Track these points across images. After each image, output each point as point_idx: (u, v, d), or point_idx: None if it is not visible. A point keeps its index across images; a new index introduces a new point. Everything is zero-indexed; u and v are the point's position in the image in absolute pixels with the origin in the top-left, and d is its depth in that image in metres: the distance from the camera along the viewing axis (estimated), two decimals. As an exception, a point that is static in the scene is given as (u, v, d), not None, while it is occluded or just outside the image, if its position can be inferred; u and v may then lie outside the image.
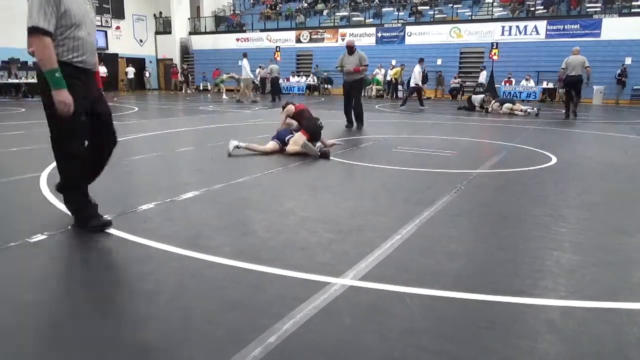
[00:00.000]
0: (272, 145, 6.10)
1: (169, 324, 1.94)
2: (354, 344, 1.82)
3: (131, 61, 27.24)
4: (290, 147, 5.99)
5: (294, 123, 6.64)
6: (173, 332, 1.88)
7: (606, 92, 18.54)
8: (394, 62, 21.61)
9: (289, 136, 6.14)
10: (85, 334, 1.86)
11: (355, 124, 9.52)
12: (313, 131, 6.12)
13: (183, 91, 25.90)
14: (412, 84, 15.68)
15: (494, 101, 14.04)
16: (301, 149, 5.89)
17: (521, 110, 13.04)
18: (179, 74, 26.61)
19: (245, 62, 17.19)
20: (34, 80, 19.87)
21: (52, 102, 2.75)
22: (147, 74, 27.92)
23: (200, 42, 29.44)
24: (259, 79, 23.10)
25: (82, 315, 2.00)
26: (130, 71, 26.23)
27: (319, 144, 6.11)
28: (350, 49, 9.37)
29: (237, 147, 5.96)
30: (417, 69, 15.27)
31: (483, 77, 19.93)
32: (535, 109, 13.20)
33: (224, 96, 20.35)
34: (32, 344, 1.80)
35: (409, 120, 10.46)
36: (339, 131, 8.70)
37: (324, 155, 5.86)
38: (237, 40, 28.25)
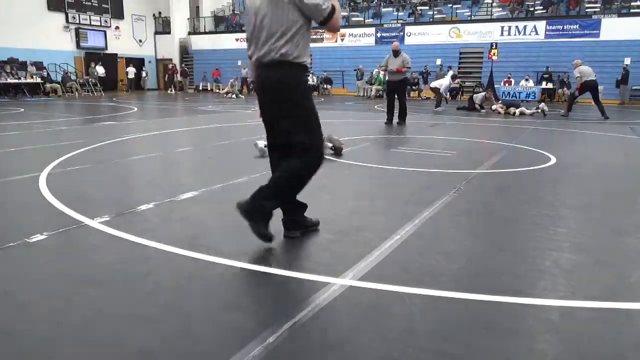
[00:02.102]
0: None
1: (168, 325, 1.94)
2: (352, 344, 1.82)
3: (131, 61, 27.17)
4: None
5: None
6: (172, 333, 1.88)
7: (605, 92, 18.55)
8: (393, 63, 21.61)
9: None
10: (80, 334, 1.86)
11: (397, 122, 10.07)
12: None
13: (169, 91, 25.34)
14: (433, 85, 15.75)
15: (498, 103, 14.08)
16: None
17: (531, 113, 13.14)
18: (177, 74, 26.38)
19: None
20: (33, 80, 20.01)
21: (312, 103, 2.75)
22: (143, 74, 27.30)
23: (199, 42, 29.42)
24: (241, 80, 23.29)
25: (81, 316, 2.00)
26: (131, 71, 26.14)
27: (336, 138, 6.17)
28: (396, 52, 10.06)
29: (266, 146, 5.99)
30: (447, 82, 15.40)
31: (448, 76, 19.35)
32: (540, 110, 13.32)
33: (241, 95, 21.36)
34: (31, 345, 1.79)
35: (409, 121, 10.47)
36: (338, 131, 8.69)
37: (338, 152, 6.05)
38: (237, 40, 28.22)
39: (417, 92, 21.76)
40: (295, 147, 2.73)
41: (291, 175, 2.77)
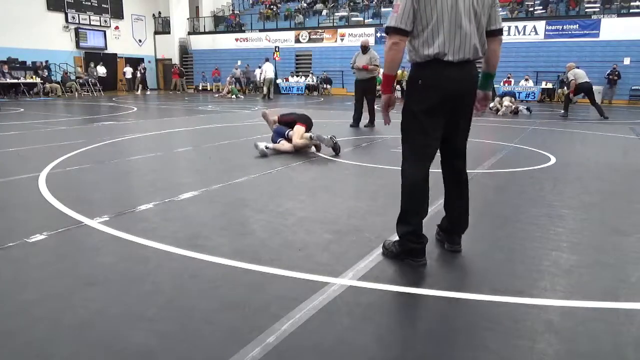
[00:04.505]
0: (288, 144, 6.13)
1: (168, 325, 1.94)
2: (352, 344, 1.82)
3: (129, 61, 27.09)
4: (298, 141, 6.04)
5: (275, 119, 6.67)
6: (172, 333, 1.88)
7: (605, 93, 18.59)
8: (392, 62, 21.57)
9: (288, 130, 6.18)
10: (80, 334, 1.86)
11: (365, 125, 9.57)
12: (306, 120, 6.28)
13: (139, 92, 24.34)
14: None
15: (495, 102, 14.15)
16: (310, 141, 5.99)
17: (508, 107, 13.26)
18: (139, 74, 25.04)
19: (269, 65, 19.95)
20: (32, 80, 20.00)
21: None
22: (135, 74, 25.58)
23: (199, 42, 29.43)
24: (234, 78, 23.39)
25: (80, 316, 2.00)
26: (129, 71, 25.95)
27: (326, 136, 6.13)
28: (365, 49, 9.45)
29: (267, 147, 6.00)
30: None
31: None
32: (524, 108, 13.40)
33: (240, 95, 21.38)
34: (31, 345, 1.79)
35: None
36: (338, 131, 8.69)
37: (335, 147, 6.00)
38: (236, 40, 28.26)
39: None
40: (464, 161, 2.73)
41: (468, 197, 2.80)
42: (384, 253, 2.71)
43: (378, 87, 20.71)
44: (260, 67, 22.45)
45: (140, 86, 25.00)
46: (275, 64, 22.51)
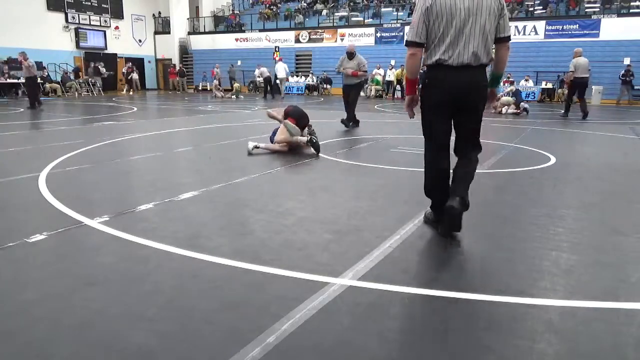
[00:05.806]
0: (281, 144, 6.14)
1: (168, 324, 1.94)
2: (352, 344, 1.82)
3: (130, 61, 27.05)
4: (279, 137, 6.06)
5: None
6: (172, 333, 1.88)
7: (605, 92, 18.58)
8: (393, 62, 21.65)
9: None
10: (80, 334, 1.86)
11: (351, 124, 9.59)
12: (299, 116, 6.22)
13: (125, 92, 23.74)
14: None
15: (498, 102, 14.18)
16: (290, 138, 5.97)
17: (512, 109, 13.27)
18: (133, 73, 24.70)
19: (280, 65, 20.95)
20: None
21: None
22: (128, 74, 24.81)
23: (199, 42, 29.42)
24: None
25: (80, 316, 2.00)
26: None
27: (304, 136, 6.10)
28: (351, 54, 9.41)
29: (257, 147, 6.01)
30: None
31: None
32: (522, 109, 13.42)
33: (240, 96, 21.30)
34: (31, 344, 1.79)
35: (409, 121, 10.47)
36: (339, 131, 8.70)
37: (314, 146, 5.96)
38: (236, 40, 28.25)
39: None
40: (474, 144, 3.05)
41: (474, 169, 3.06)
42: (425, 220, 3.31)
43: (369, 86, 20.53)
44: (259, 68, 22.45)
45: (132, 87, 24.81)
46: (275, 64, 22.56)
